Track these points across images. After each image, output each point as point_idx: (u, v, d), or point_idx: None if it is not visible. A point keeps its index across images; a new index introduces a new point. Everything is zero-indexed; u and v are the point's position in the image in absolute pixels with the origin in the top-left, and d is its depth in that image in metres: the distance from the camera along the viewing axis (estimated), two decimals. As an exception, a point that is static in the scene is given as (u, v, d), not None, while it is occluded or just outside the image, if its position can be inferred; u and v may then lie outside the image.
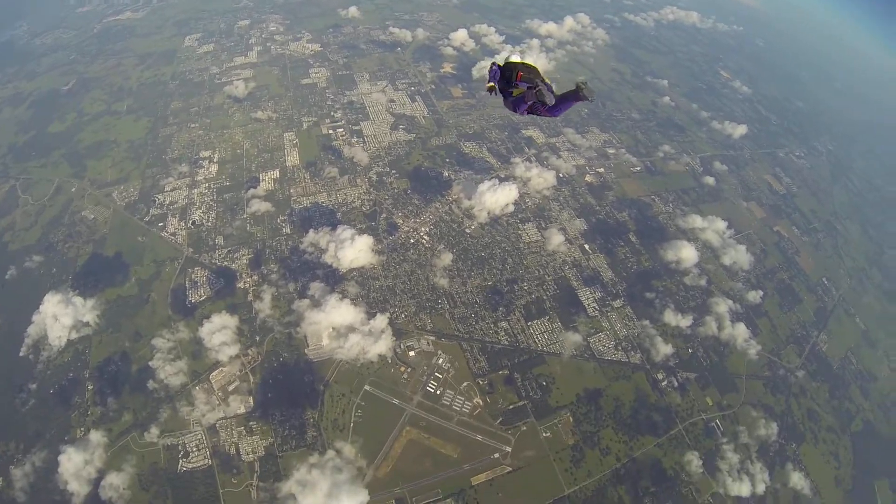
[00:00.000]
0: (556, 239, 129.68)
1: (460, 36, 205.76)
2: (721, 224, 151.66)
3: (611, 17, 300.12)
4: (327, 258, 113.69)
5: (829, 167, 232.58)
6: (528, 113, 22.14)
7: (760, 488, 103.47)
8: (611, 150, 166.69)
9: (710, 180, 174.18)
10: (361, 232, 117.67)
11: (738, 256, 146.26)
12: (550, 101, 21.23)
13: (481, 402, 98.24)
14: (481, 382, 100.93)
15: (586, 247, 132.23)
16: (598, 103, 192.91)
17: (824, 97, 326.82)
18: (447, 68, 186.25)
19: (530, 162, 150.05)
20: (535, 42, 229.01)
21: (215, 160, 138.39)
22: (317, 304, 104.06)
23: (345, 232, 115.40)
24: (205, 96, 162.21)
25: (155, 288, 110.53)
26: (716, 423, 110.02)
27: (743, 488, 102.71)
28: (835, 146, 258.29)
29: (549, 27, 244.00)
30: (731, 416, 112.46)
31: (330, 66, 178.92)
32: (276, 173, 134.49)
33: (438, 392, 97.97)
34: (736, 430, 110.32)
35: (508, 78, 22.47)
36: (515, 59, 23.29)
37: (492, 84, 22.70)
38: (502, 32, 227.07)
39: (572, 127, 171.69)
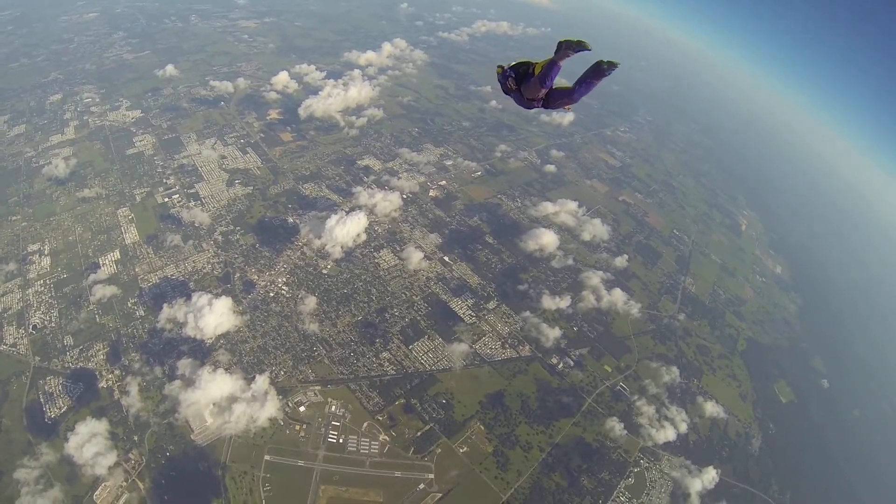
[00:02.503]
0: (414, 258, 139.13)
1: (282, 79, 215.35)
2: (572, 204, 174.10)
3: (426, 38, 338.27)
4: (189, 331, 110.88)
5: (653, 135, 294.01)
6: (545, 106, 21.40)
7: (683, 427, 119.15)
8: (448, 162, 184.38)
9: (551, 168, 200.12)
10: (218, 296, 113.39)
11: (596, 230, 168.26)
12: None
13: (388, 438, 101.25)
14: (381, 418, 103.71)
15: (446, 259, 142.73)
16: (428, 119, 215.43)
17: (635, 77, 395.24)
18: (273, 115, 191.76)
19: (372, 189, 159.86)
20: (357, 72, 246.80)
21: (46, 252, 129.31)
22: (190, 382, 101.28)
23: (201, 299, 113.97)
24: (23, 183, 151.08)
25: (4, 412, 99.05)
26: (621, 387, 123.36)
27: (667, 433, 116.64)
28: (653, 117, 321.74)
29: (369, 56, 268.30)
30: (632, 374, 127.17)
31: (154, 131, 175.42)
32: (117, 254, 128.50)
33: (341, 440, 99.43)
34: (642, 385, 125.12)
35: (524, 72, 21.51)
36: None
37: (512, 83, 21.76)
38: (323, 69, 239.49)
39: (406, 147, 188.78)
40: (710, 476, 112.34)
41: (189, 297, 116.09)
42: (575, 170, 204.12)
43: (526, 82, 20.96)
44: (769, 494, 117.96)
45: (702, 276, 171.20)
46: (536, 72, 20.20)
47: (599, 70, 17.96)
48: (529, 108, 21.99)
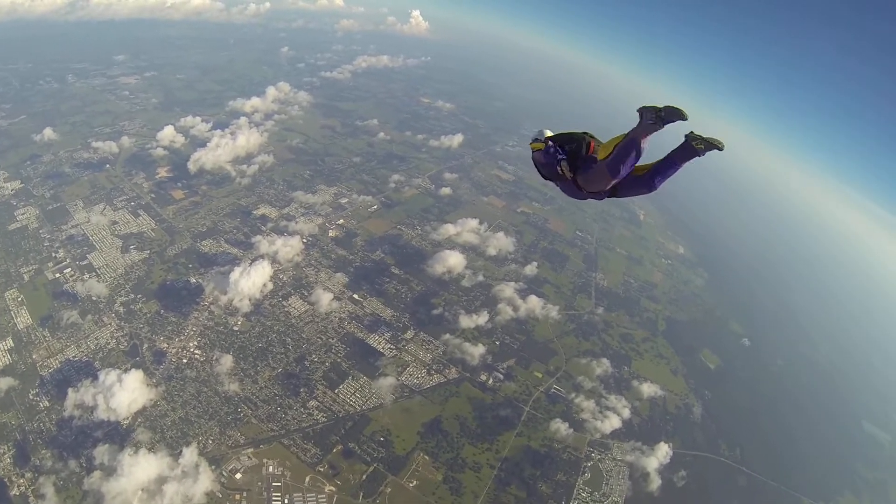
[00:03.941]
0: (324, 301, 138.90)
1: (168, 134, 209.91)
2: (473, 223, 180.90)
3: (309, 79, 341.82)
4: (102, 414, 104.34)
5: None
6: (610, 195, 16.50)
7: (625, 413, 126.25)
8: (344, 200, 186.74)
9: (446, 191, 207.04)
10: (127, 371, 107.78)
11: (500, 243, 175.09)
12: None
13: (333, 489, 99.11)
14: (322, 469, 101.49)
15: (356, 296, 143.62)
16: (319, 160, 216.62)
17: (517, 93, 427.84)
18: (162, 173, 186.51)
19: (272, 236, 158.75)
20: (244, 120, 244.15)
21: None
22: (111, 471, 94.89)
23: (109, 377, 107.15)
24: None
25: None
26: (556, 389, 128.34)
27: (612, 422, 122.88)
28: (539, 128, 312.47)
29: (254, 103, 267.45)
30: (563, 375, 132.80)
31: (37, 202, 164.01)
32: (9, 342, 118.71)
33: (286, 501, 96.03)
34: (576, 383, 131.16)
35: (576, 152, 16.94)
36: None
37: (565, 169, 17.08)
38: (209, 120, 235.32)
39: (300, 190, 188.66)
40: (663, 451, 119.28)
41: (96, 378, 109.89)
42: (470, 189, 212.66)
43: (585, 170, 16.22)
44: (721, 455, 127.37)
45: (611, 270, 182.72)
46: (602, 154, 15.35)
47: (690, 149, 13.33)
48: (584, 198, 17.41)
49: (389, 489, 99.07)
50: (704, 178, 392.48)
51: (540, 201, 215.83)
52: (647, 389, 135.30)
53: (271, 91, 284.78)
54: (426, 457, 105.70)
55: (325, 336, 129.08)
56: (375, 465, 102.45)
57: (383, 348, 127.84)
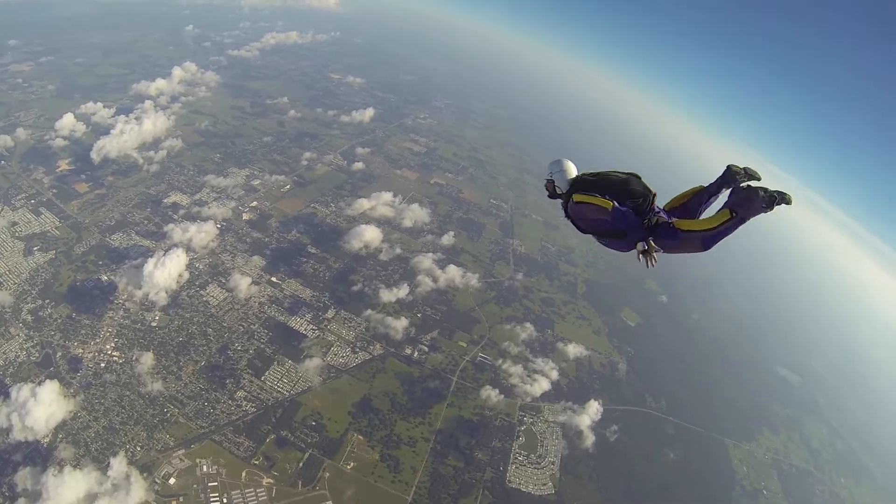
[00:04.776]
0: (243, 286, 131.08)
1: (67, 123, 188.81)
2: (387, 196, 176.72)
3: (217, 58, 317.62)
4: (18, 435, 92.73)
5: (453, 117, 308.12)
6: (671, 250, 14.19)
7: (553, 375, 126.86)
8: (256, 182, 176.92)
9: (359, 166, 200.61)
10: (41, 383, 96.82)
11: (416, 215, 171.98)
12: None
13: (272, 481, 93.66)
14: (258, 462, 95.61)
15: (274, 279, 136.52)
16: (229, 142, 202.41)
17: (424, 63, 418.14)
18: (64, 166, 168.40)
19: (184, 223, 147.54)
20: (149, 104, 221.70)
21: None
22: (36, 496, 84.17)
23: (22, 393, 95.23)
24: None
25: None
26: (482, 357, 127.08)
27: (541, 385, 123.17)
28: (451, 100, 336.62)
29: (159, 85, 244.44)
30: (488, 342, 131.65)
31: None
32: None
33: (225, 500, 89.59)
34: (502, 349, 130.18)
35: (639, 208, 14.01)
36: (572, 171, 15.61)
37: (648, 247, 14.07)
38: (111, 105, 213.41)
39: (211, 174, 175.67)
40: (594, 409, 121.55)
41: (7, 396, 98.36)
42: (383, 163, 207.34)
43: (665, 237, 13.67)
44: (648, 407, 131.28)
45: (528, 237, 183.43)
46: (695, 228, 13.21)
47: (756, 203, 12.17)
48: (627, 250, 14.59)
49: (328, 474, 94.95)
50: (616, 144, 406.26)
51: (453, 171, 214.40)
52: (573, 350, 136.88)
53: (177, 72, 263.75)
54: (360, 437, 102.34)
55: (246, 323, 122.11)
56: (310, 451, 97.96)
57: (306, 330, 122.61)
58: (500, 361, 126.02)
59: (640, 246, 13.77)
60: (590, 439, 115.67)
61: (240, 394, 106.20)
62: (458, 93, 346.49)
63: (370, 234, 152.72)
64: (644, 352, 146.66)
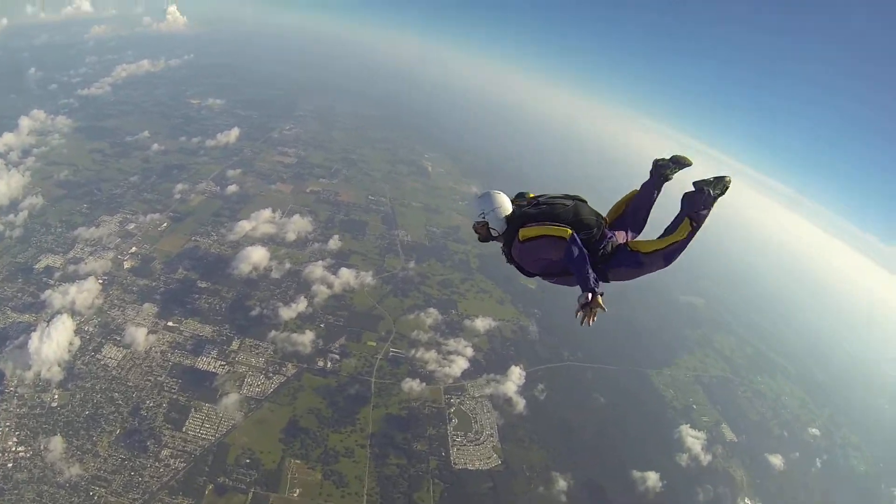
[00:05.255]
0: (140, 339, 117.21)
1: None
2: (266, 213, 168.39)
3: (66, 100, 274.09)
4: None
5: (318, 123, 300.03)
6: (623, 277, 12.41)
7: (469, 352, 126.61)
8: (131, 226, 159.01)
9: (233, 188, 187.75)
10: None
11: (298, 226, 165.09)
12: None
13: None
14: None
15: (170, 324, 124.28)
16: (94, 189, 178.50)
17: (282, 73, 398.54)
18: None
19: (63, 287, 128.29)
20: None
21: None
22: None
23: None
24: None
25: None
26: (394, 351, 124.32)
27: (459, 364, 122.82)
28: (314, 106, 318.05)
29: (6, 139, 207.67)
30: (397, 335, 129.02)
31: None
32: None
33: None
34: (412, 339, 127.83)
35: (590, 240, 11.75)
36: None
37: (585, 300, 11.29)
38: None
39: (82, 227, 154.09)
40: (516, 374, 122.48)
41: None
42: (256, 181, 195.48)
43: (622, 265, 12.01)
44: (567, 360, 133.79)
45: (412, 225, 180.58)
46: (658, 247, 11.61)
47: (706, 201, 11.17)
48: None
49: None
50: (482, 119, 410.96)
51: (326, 177, 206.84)
52: (481, 324, 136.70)
53: (25, 122, 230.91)
54: (297, 461, 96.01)
55: (152, 376, 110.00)
56: (252, 489, 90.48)
57: (215, 368, 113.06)
58: (413, 351, 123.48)
59: (582, 298, 11.13)
60: (520, 404, 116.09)
61: (165, 452, 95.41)
62: (324, 99, 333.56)
63: (257, 255, 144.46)
64: (550, 310, 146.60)
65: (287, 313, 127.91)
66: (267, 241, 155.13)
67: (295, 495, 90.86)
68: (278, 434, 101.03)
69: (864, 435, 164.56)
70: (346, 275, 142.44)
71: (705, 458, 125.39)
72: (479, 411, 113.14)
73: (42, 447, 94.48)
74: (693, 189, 11.33)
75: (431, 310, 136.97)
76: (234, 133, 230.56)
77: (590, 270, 11.14)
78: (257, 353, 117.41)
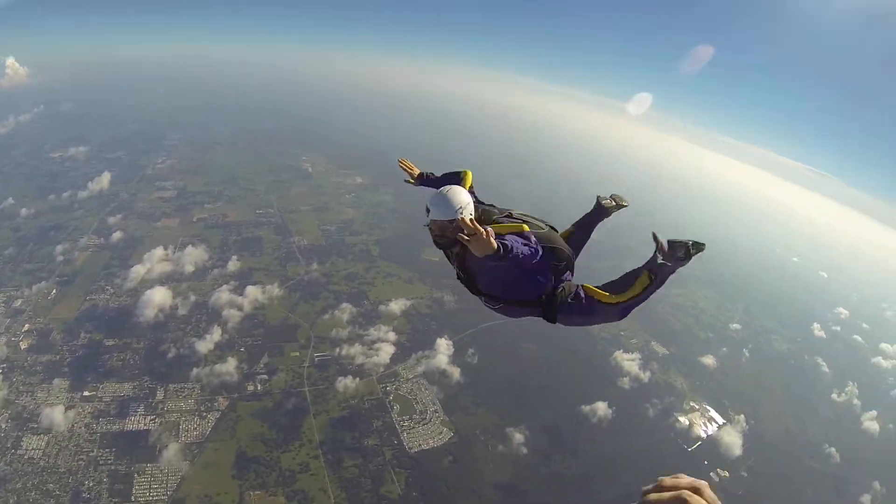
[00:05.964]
0: (59, 419, 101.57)
1: None
2: (159, 251, 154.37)
3: None
4: None
5: (192, 149, 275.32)
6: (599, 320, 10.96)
7: (391, 337, 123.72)
8: (18, 302, 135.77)
9: (118, 235, 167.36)
10: None
11: (194, 257, 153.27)
12: None
13: None
14: None
15: (86, 393, 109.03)
16: None
17: (152, 107, 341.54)
18: None
19: None
20: None
21: None
22: None
23: None
24: None
25: None
26: (319, 356, 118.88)
27: (386, 350, 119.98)
28: (183, 133, 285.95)
29: None
30: (317, 339, 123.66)
31: None
32: None
33: None
34: (333, 339, 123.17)
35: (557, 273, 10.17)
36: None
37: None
38: None
39: None
40: (443, 345, 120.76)
41: None
42: (140, 223, 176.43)
43: (581, 311, 10.46)
44: (487, 320, 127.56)
45: (305, 228, 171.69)
46: (617, 300, 10.65)
47: (680, 259, 10.39)
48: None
49: None
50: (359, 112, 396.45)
51: (210, 201, 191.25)
52: (396, 307, 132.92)
53: None
54: (257, 493, 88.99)
55: (83, 454, 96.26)
56: None
57: (146, 425, 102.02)
58: (337, 350, 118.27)
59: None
60: (455, 373, 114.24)
61: None
62: (194, 123, 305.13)
63: (159, 297, 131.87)
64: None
65: (204, 346, 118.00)
66: (165, 279, 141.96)
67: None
68: (229, 471, 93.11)
69: (778, 319, 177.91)
70: (253, 292, 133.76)
71: (645, 376, 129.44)
72: (418, 391, 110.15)
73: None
74: (668, 248, 10.36)
75: (344, 305, 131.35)
76: (106, 178, 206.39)
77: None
78: (185, 396, 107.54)
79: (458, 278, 10.96)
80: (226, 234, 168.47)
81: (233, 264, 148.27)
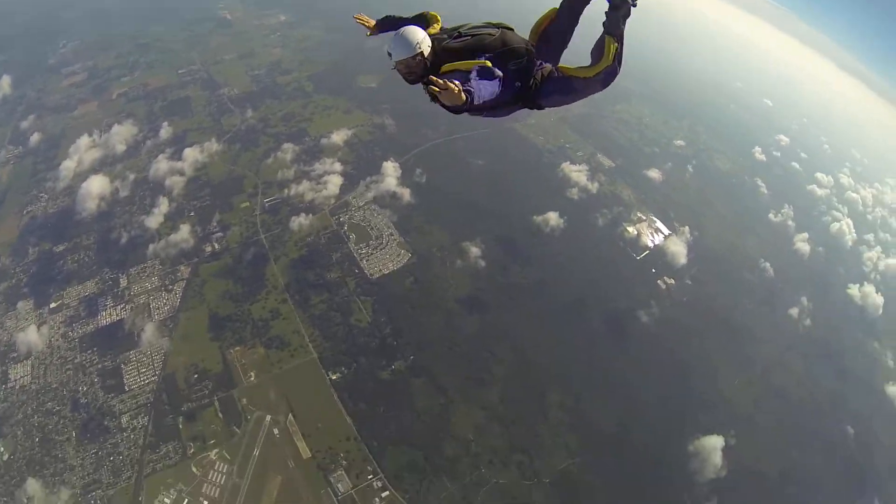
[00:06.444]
0: (34, 340, 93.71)
1: None
2: (84, 139, 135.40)
3: None
4: None
5: (90, 24, 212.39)
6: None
7: (337, 167, 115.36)
8: None
9: (36, 137, 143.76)
10: None
11: (123, 135, 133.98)
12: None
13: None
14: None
15: (53, 305, 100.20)
16: None
17: None
18: None
19: None
20: None
21: None
22: None
23: None
24: None
25: None
26: (269, 201, 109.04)
27: (334, 181, 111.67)
28: (82, 9, 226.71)
29: None
30: (264, 184, 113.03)
31: None
32: None
33: None
34: (279, 181, 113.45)
35: (523, 70, 10.09)
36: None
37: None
38: None
39: None
40: (390, 168, 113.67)
41: None
42: (56, 118, 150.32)
43: (556, 91, 10.25)
44: (433, 139, 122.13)
45: (233, 78, 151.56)
46: (591, 73, 9.90)
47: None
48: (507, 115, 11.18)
49: (244, 400, 78.01)
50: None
51: (127, 74, 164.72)
52: (338, 137, 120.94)
53: None
54: (237, 349, 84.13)
55: (69, 364, 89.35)
56: (215, 397, 79.00)
57: (118, 315, 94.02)
58: (285, 191, 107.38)
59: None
60: (405, 194, 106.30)
61: (124, 419, 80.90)
62: None
63: (97, 185, 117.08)
64: (400, 101, 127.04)
65: (154, 221, 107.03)
66: (98, 166, 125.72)
67: (252, 379, 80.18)
68: (206, 335, 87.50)
69: (721, 139, 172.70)
70: (192, 154, 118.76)
71: (593, 187, 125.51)
72: (371, 217, 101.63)
73: (24, 499, 76.74)
74: (612, 6, 9.48)
75: (286, 146, 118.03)
76: (6, 82, 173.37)
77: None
78: (147, 276, 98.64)
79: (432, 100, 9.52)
80: (150, 102, 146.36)
81: (165, 131, 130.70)
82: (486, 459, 76.43)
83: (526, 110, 10.92)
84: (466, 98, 7.85)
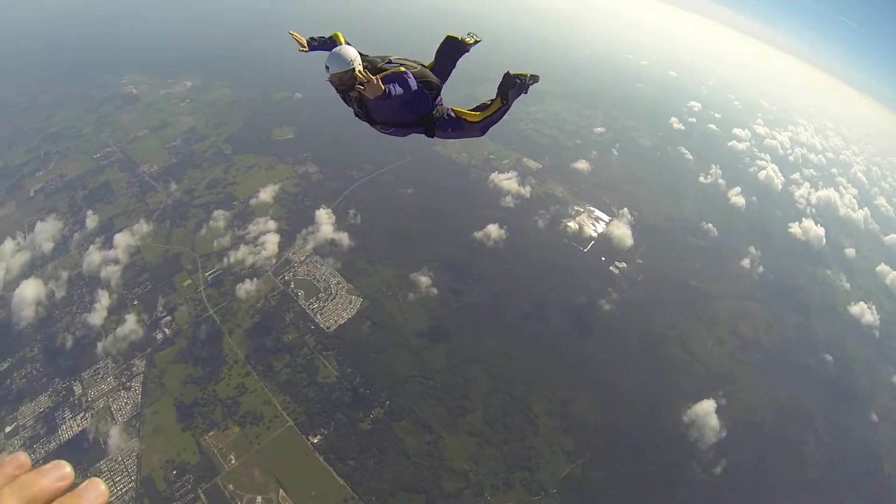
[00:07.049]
0: None
1: None
2: (7, 244, 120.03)
3: None
4: None
5: None
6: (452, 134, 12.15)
7: (271, 225, 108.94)
8: None
9: None
10: None
11: (49, 232, 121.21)
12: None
13: None
14: None
15: (8, 429, 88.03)
16: None
17: None
18: None
19: None
20: None
21: None
22: None
23: None
24: None
25: None
26: (210, 274, 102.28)
27: (271, 240, 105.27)
28: None
29: None
30: (201, 259, 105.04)
31: None
32: None
33: None
34: (218, 252, 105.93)
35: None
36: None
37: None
38: None
39: None
40: (323, 216, 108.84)
41: None
42: None
43: (450, 127, 11.79)
44: (358, 179, 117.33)
45: (151, 154, 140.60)
46: (477, 119, 11.88)
47: (518, 86, 11.44)
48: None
49: (230, 487, 71.87)
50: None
51: (40, 169, 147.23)
52: (266, 196, 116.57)
53: None
54: (211, 434, 77.51)
55: None
56: (199, 489, 72.46)
57: (80, 425, 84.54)
58: (225, 261, 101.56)
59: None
60: (344, 238, 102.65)
61: None
62: None
63: (30, 291, 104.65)
64: (319, 146, 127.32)
65: (98, 318, 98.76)
66: (29, 269, 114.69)
67: (234, 462, 74.92)
68: (177, 427, 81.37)
69: (637, 118, 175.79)
70: (123, 239, 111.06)
71: (526, 191, 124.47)
72: (315, 270, 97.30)
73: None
74: (511, 78, 11.38)
75: (216, 213, 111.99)
76: None
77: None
78: (102, 377, 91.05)
79: (357, 115, 11.67)
80: (71, 193, 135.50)
81: (91, 220, 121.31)
82: (488, 485, 74.70)
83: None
84: (385, 89, 9.37)
